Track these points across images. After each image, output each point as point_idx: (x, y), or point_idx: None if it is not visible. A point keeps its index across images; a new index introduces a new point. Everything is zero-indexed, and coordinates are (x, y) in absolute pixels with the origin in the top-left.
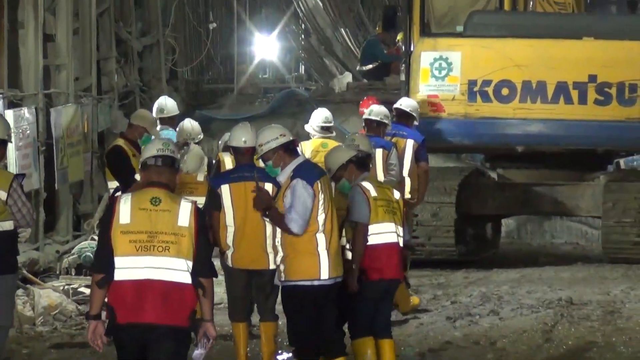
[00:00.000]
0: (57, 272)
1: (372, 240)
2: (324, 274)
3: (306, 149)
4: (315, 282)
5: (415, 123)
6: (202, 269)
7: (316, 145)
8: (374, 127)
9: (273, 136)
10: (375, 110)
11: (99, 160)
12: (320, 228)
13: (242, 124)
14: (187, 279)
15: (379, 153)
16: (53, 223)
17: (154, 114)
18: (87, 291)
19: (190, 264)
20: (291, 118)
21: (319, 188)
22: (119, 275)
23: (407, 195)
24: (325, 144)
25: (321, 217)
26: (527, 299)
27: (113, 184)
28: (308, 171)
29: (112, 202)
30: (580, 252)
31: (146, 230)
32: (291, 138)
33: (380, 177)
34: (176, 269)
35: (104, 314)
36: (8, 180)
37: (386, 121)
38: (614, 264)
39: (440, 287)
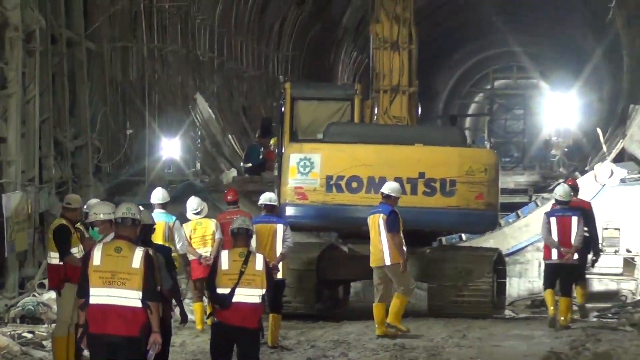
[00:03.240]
0: (6, 321)
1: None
2: None
3: (186, 228)
4: None
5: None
6: (148, 295)
7: (193, 225)
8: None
9: (105, 210)
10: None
11: (39, 235)
12: None
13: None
14: (137, 303)
15: (280, 228)
16: (3, 283)
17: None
18: (29, 336)
19: (140, 293)
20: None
21: None
22: (92, 300)
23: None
24: (199, 223)
25: None
26: (370, 344)
27: (54, 254)
28: None
29: (90, 250)
30: (411, 308)
31: (110, 270)
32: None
33: (279, 247)
34: (129, 297)
35: None
36: None
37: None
38: (436, 318)
39: (303, 334)
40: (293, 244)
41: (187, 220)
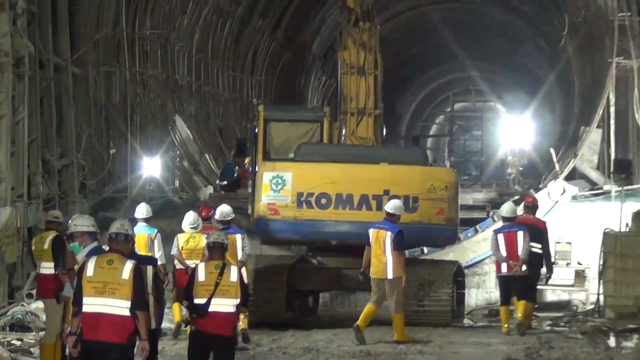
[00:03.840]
0: None
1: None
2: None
3: (180, 239)
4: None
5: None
6: (137, 305)
7: (187, 237)
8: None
9: (84, 222)
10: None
11: (28, 248)
12: None
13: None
14: (126, 312)
15: (238, 238)
16: None
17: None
18: (18, 343)
19: (129, 303)
20: (168, 219)
21: None
22: (85, 308)
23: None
24: (193, 237)
25: None
26: (337, 351)
27: (48, 264)
28: (99, 251)
29: (85, 262)
30: (376, 317)
31: (102, 281)
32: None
33: (239, 255)
34: (119, 306)
35: None
36: None
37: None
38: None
39: (275, 342)
40: (251, 251)
41: (171, 234)
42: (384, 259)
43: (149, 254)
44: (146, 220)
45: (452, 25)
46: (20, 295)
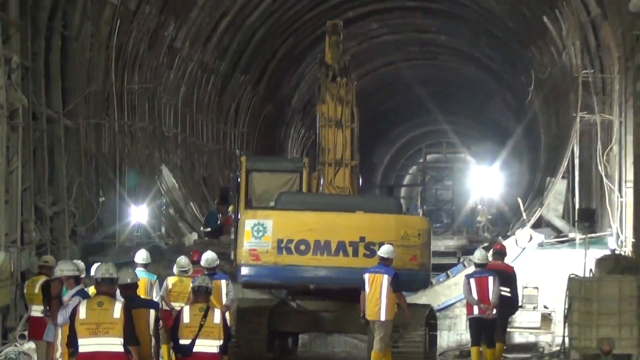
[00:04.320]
0: None
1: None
2: None
3: (169, 282)
4: None
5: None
6: (129, 341)
7: (175, 281)
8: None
9: (69, 267)
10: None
11: (20, 291)
12: None
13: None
14: (120, 349)
15: (223, 284)
16: None
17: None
18: None
19: (122, 340)
20: (154, 263)
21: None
22: (80, 349)
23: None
24: (181, 280)
25: None
26: None
27: (39, 308)
28: (83, 293)
29: (77, 305)
30: (353, 357)
31: (94, 322)
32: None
33: (224, 300)
34: (112, 344)
35: None
36: None
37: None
38: None
39: None
40: (235, 296)
41: (157, 278)
42: (378, 301)
43: (149, 298)
44: (145, 265)
45: (425, 81)
46: (13, 336)
